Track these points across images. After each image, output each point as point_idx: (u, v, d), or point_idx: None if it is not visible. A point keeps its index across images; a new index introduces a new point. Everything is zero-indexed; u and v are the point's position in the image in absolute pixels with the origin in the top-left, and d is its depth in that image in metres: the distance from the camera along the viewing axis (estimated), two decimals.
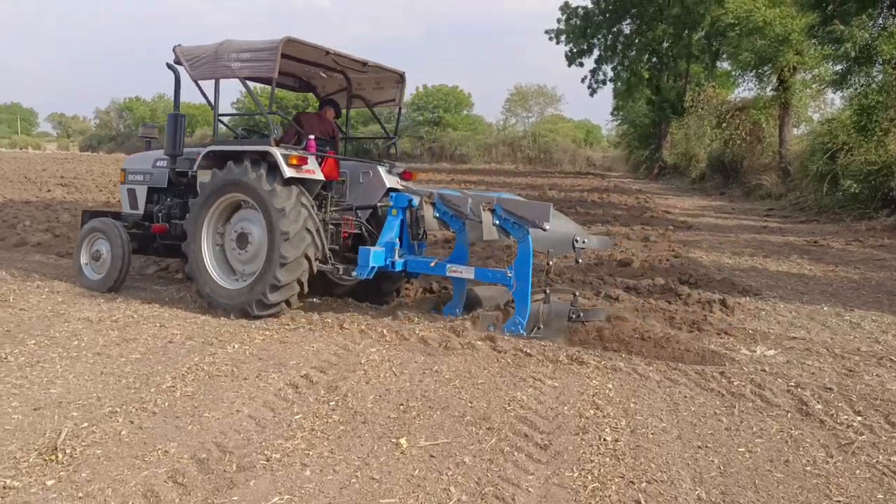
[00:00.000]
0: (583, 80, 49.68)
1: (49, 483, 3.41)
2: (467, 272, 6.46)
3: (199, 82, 7.30)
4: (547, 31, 47.42)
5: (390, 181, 7.66)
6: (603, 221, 16.42)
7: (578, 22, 46.10)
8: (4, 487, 3.34)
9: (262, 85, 7.96)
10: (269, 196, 6.53)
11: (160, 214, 8.07)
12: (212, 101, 7.32)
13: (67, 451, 3.71)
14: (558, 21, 47.13)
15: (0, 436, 3.92)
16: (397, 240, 6.83)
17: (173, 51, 7.47)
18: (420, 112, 68.64)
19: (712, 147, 33.50)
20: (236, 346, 5.77)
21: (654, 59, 46.39)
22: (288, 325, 6.51)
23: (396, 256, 6.74)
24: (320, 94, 8.85)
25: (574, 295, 6.44)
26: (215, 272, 7.09)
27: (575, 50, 47.15)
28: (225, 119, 8.05)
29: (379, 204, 7.61)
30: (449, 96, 69.53)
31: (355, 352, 5.71)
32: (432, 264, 6.68)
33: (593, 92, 49.70)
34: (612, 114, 56.79)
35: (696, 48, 42.37)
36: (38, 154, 55.91)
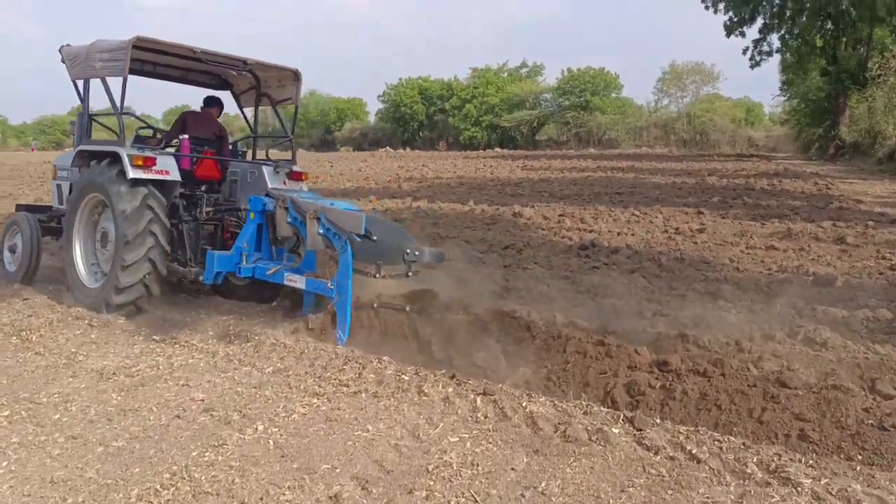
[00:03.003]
0: (744, 52, 44.95)
1: None
2: (300, 282, 6.11)
3: (76, 82, 7.40)
4: (703, 0, 43.23)
5: (274, 182, 7.36)
6: (779, 216, 13.54)
7: None
8: None
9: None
10: (115, 198, 6.50)
11: None
12: (84, 100, 7.45)
13: None
14: None
15: None
16: (244, 244, 6.53)
17: (59, 51, 7.55)
18: (566, 97, 65.60)
19: None
20: (261, 427, 4.05)
21: (830, 25, 41.06)
22: (349, 385, 4.73)
23: (244, 262, 6.44)
24: (235, 93, 8.63)
25: (406, 310, 5.87)
26: (82, 269, 7.16)
27: (735, 18, 42.65)
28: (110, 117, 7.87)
29: (243, 207, 7.22)
30: (596, 79, 65.90)
31: (427, 442, 3.85)
32: (270, 271, 6.33)
33: (756, 64, 44.94)
34: (780, 88, 51.37)
35: (882, 9, 36.92)
36: None
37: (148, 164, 6.52)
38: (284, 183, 7.41)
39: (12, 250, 8.14)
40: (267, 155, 8.31)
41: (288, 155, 8.18)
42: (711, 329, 5.83)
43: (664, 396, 4.66)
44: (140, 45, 6.75)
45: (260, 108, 8.51)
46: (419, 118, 70.65)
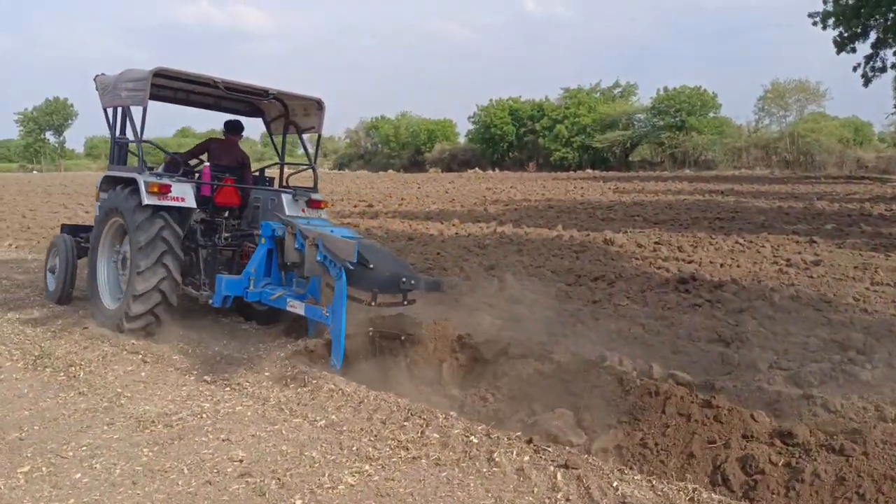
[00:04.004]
0: (855, 69, 42.39)
1: None
2: (300, 308, 6.08)
3: (107, 110, 7.57)
4: (811, 15, 40.90)
5: (292, 209, 7.46)
6: None
7: (851, 0, 39.14)
8: None
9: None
10: (133, 228, 6.60)
11: None
12: (112, 127, 7.61)
13: None
14: (824, 1, 40.46)
15: None
16: (253, 269, 6.53)
17: (94, 80, 7.66)
18: (661, 116, 63.57)
19: None
20: (299, 502, 3.44)
21: None
22: (408, 447, 4.09)
23: (251, 286, 6.44)
24: (266, 120, 8.72)
25: (401, 339, 5.71)
26: (104, 289, 7.25)
27: (846, 34, 40.21)
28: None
29: (255, 232, 7.23)
30: (692, 98, 63.59)
31: None
32: (273, 296, 6.31)
33: (868, 81, 42.17)
34: (895, 106, 48.15)
35: None
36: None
37: (163, 191, 6.64)
38: (303, 211, 7.51)
39: (52, 271, 8.36)
40: (287, 182, 8.32)
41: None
42: (842, 388, 4.91)
43: (789, 477, 3.80)
44: (162, 74, 6.93)
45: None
46: (509, 139, 69.95)
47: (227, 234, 7.51)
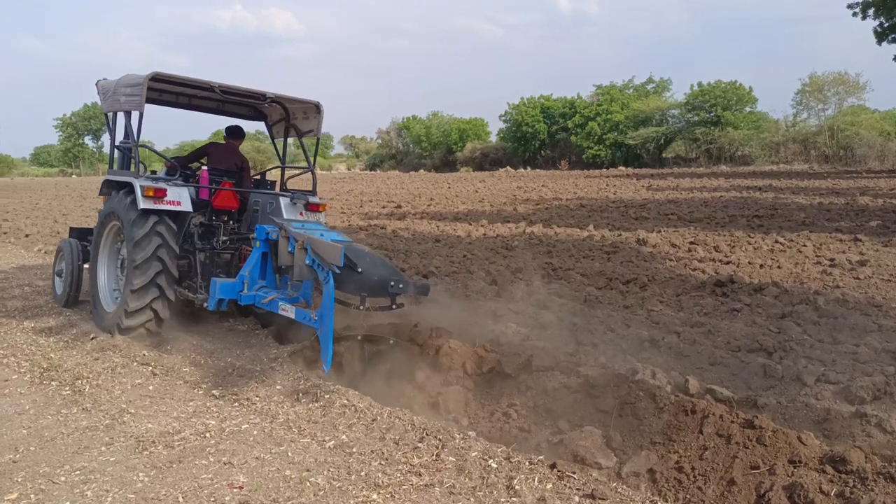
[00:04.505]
0: (895, 58, 41.23)
1: None
2: (291, 311, 5.95)
3: (108, 114, 7.53)
4: (850, 6, 39.90)
5: (290, 212, 7.42)
6: None
7: None
8: None
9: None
10: (128, 225, 6.63)
11: None
12: (113, 131, 7.56)
13: None
14: None
15: None
16: (247, 272, 6.46)
17: (95, 85, 7.62)
18: (695, 112, 62.44)
19: None
20: None
21: None
22: (421, 472, 3.78)
23: (245, 289, 6.38)
24: (269, 124, 8.66)
25: (390, 342, 5.91)
26: (104, 293, 7.24)
27: (887, 23, 39.07)
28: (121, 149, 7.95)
29: (250, 236, 7.19)
30: (728, 92, 62.32)
31: None
32: (265, 300, 6.19)
33: None
34: None
35: None
36: (323, 175, 59.49)
37: (159, 195, 6.64)
38: (301, 214, 7.47)
39: (59, 274, 8.47)
40: (286, 185, 8.27)
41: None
42: None
43: None
44: (159, 79, 6.89)
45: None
46: (541, 137, 69.32)
47: (224, 238, 7.54)
